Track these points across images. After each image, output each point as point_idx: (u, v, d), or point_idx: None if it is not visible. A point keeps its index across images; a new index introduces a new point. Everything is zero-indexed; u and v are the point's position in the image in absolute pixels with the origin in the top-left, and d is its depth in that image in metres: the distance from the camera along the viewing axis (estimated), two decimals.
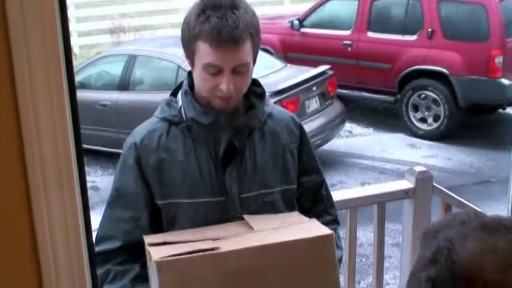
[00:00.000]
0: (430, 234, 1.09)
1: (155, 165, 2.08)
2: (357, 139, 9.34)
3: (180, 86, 2.17)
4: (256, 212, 2.10)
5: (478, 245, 1.02)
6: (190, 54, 2.03)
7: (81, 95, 7.18)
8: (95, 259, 2.06)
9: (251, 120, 2.11)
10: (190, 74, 2.13)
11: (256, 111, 2.12)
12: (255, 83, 2.18)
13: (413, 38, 9.19)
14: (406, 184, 3.24)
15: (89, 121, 7.73)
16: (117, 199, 2.12)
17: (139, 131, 2.14)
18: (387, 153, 8.63)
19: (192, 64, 2.05)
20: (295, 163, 2.20)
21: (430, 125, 9.06)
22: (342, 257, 2.32)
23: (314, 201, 2.29)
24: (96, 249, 2.07)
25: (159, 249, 1.83)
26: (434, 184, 3.26)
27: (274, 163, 2.15)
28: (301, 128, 2.25)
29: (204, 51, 1.97)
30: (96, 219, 2.09)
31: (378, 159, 8.48)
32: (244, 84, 2.05)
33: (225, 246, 1.83)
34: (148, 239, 1.93)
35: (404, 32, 9.30)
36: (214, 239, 1.88)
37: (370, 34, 9.61)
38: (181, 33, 2.06)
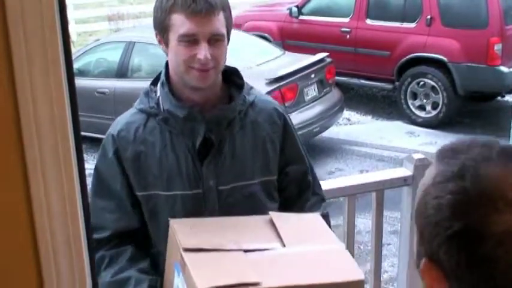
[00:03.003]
0: (448, 154, 1.11)
1: (133, 157, 2.08)
2: (355, 127, 9.35)
3: (160, 75, 2.15)
4: (234, 204, 2.10)
5: (502, 167, 1.05)
6: (164, 31, 2.02)
7: (79, 82, 7.17)
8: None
9: (227, 112, 2.09)
10: (167, 64, 2.12)
11: (232, 104, 2.11)
12: (236, 73, 2.17)
13: (412, 25, 9.18)
14: (404, 171, 3.24)
15: (87, 109, 7.72)
16: (100, 189, 2.13)
17: (118, 122, 2.14)
18: (386, 141, 8.63)
19: (167, 43, 2.04)
20: (277, 154, 2.18)
21: (429, 113, 9.07)
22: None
23: (301, 189, 2.28)
24: None
25: (199, 267, 1.76)
26: None
27: (254, 154, 2.14)
28: (284, 118, 2.22)
29: (179, 22, 1.97)
30: None
31: (376, 146, 8.48)
32: (220, 56, 2.03)
33: (266, 280, 1.74)
34: (179, 234, 1.86)
35: (403, 19, 9.29)
36: (247, 251, 1.82)
37: (369, 21, 9.60)
38: (154, 14, 2.06)
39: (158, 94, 2.11)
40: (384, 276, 5.08)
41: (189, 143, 2.07)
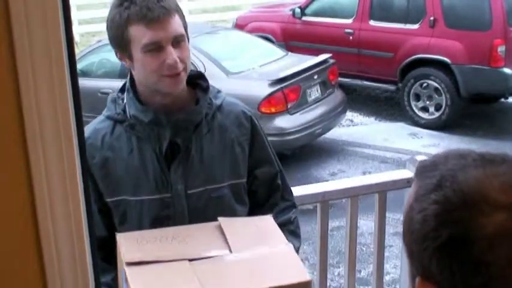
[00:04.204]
0: (427, 168, 1.11)
1: (100, 163, 2.09)
2: (358, 128, 9.34)
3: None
4: (204, 207, 2.09)
5: (480, 172, 1.05)
6: (124, 47, 2.02)
7: (83, 83, 7.17)
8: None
9: (192, 116, 2.09)
10: (131, 72, 2.12)
11: (198, 107, 2.10)
12: (200, 76, 2.17)
13: (416, 26, 9.17)
14: (407, 173, 3.24)
15: (90, 109, 7.71)
16: None
17: (85, 130, 2.14)
18: (388, 142, 8.62)
19: (130, 57, 2.03)
20: (245, 157, 2.18)
21: (432, 114, 9.06)
22: (299, 247, 2.29)
23: (270, 191, 2.28)
24: None
25: (141, 281, 1.71)
26: None
27: (222, 157, 2.13)
28: (251, 121, 2.21)
29: (140, 33, 1.97)
30: None
31: (379, 148, 8.47)
32: (186, 57, 2.03)
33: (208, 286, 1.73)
34: (123, 248, 1.82)
35: (406, 20, 9.28)
36: (191, 260, 1.78)
37: (372, 22, 9.59)
38: (109, 33, 2.06)
39: (125, 101, 2.11)
40: (386, 278, 5.07)
41: (156, 147, 2.06)
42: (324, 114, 7.95)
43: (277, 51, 8.78)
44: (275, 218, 2.22)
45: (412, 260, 1.11)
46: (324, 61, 8.21)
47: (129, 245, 1.84)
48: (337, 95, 8.45)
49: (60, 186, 1.18)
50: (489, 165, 1.06)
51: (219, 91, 2.21)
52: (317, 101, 7.98)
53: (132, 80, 2.12)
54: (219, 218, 1.95)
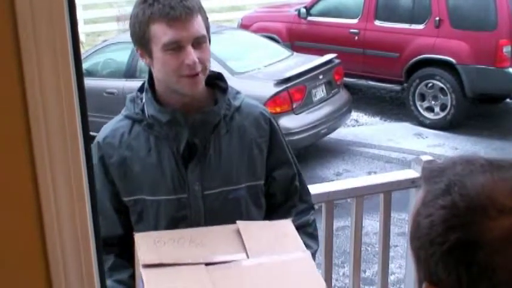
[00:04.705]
0: (435, 173, 1.11)
1: (118, 162, 2.09)
2: (363, 128, 9.33)
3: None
4: (220, 209, 2.08)
5: (488, 177, 1.05)
6: (145, 44, 2.02)
7: (88, 82, 7.18)
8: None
9: (210, 116, 2.08)
10: (150, 72, 2.12)
11: (216, 108, 2.09)
12: (220, 77, 2.16)
13: (421, 26, 9.16)
14: (412, 173, 3.24)
15: (96, 109, 7.74)
16: None
17: (104, 129, 2.16)
18: (394, 143, 8.62)
19: (150, 55, 2.03)
20: (263, 158, 2.17)
21: (437, 114, 9.05)
22: (316, 250, 2.30)
23: (287, 194, 2.26)
24: None
25: (156, 283, 1.73)
26: None
27: (240, 159, 2.12)
28: (270, 122, 2.20)
29: (161, 32, 1.96)
30: None
31: (384, 148, 8.47)
32: (206, 58, 2.03)
33: None
34: (141, 249, 1.83)
35: (411, 20, 9.27)
36: (208, 264, 1.78)
37: (378, 23, 9.58)
38: (132, 29, 2.05)
39: (143, 100, 2.11)
40: (391, 278, 5.07)
41: (174, 147, 2.06)
42: (329, 114, 7.95)
43: (282, 51, 8.78)
44: (294, 220, 2.21)
45: (419, 264, 1.10)
46: (329, 61, 8.21)
47: (147, 246, 1.84)
48: (342, 95, 8.44)
49: (66, 185, 1.18)
50: (496, 170, 1.06)
51: (238, 92, 2.20)
52: (322, 101, 7.98)
53: (150, 79, 2.11)
54: (238, 222, 1.94)
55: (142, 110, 2.10)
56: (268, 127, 2.19)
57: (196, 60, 1.97)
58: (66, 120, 1.15)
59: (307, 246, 2.19)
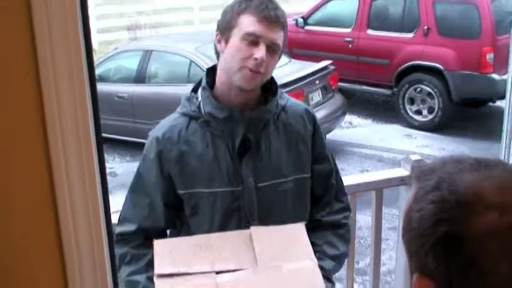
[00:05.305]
0: (426, 172, 1.10)
1: (176, 157, 2.07)
2: (356, 130, 9.33)
3: (200, 82, 2.14)
4: (271, 200, 2.08)
5: (476, 175, 1.05)
6: (228, 29, 2.01)
7: (100, 87, 7.16)
8: (117, 239, 2.08)
9: (264, 114, 2.09)
10: (208, 71, 2.12)
11: (268, 106, 2.10)
12: (270, 79, 2.16)
13: (410, 35, 9.16)
14: (402, 172, 3.23)
15: (107, 112, 7.75)
16: (138, 186, 2.13)
17: (162, 126, 2.13)
18: (385, 143, 8.61)
19: (227, 40, 2.01)
20: (309, 153, 2.17)
21: (425, 117, 9.04)
22: (347, 253, 2.28)
23: (325, 189, 2.24)
24: (117, 229, 2.11)
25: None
26: None
27: (288, 153, 2.12)
28: (314, 119, 2.22)
29: (248, 22, 1.97)
30: (116, 201, 2.11)
31: (376, 148, 8.47)
32: (272, 66, 2.04)
33: None
34: (156, 258, 1.82)
35: (401, 29, 9.27)
36: (219, 272, 1.77)
37: (370, 31, 9.58)
38: (222, 16, 2.05)
39: (199, 99, 2.10)
40: (383, 269, 5.06)
41: (229, 142, 2.06)
42: (325, 116, 7.94)
43: (281, 58, 8.75)
44: (327, 217, 2.22)
45: (411, 256, 1.10)
46: (325, 67, 8.21)
47: (163, 255, 1.84)
48: (337, 99, 8.44)
49: (80, 184, 1.18)
50: (484, 169, 1.06)
51: (283, 92, 2.21)
52: (318, 104, 7.98)
53: (208, 79, 2.11)
54: (251, 227, 1.94)
55: (199, 108, 2.09)
56: (312, 123, 2.20)
57: (265, 58, 1.97)
58: (80, 122, 1.15)
59: (334, 247, 2.19)
